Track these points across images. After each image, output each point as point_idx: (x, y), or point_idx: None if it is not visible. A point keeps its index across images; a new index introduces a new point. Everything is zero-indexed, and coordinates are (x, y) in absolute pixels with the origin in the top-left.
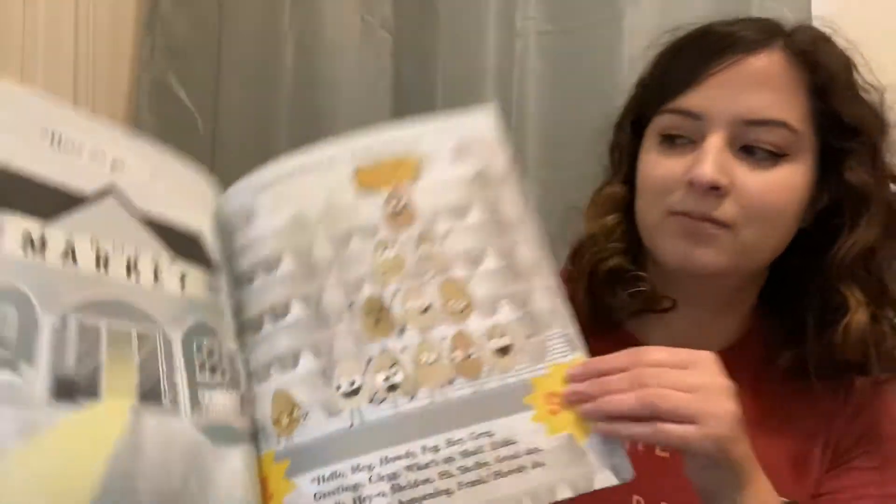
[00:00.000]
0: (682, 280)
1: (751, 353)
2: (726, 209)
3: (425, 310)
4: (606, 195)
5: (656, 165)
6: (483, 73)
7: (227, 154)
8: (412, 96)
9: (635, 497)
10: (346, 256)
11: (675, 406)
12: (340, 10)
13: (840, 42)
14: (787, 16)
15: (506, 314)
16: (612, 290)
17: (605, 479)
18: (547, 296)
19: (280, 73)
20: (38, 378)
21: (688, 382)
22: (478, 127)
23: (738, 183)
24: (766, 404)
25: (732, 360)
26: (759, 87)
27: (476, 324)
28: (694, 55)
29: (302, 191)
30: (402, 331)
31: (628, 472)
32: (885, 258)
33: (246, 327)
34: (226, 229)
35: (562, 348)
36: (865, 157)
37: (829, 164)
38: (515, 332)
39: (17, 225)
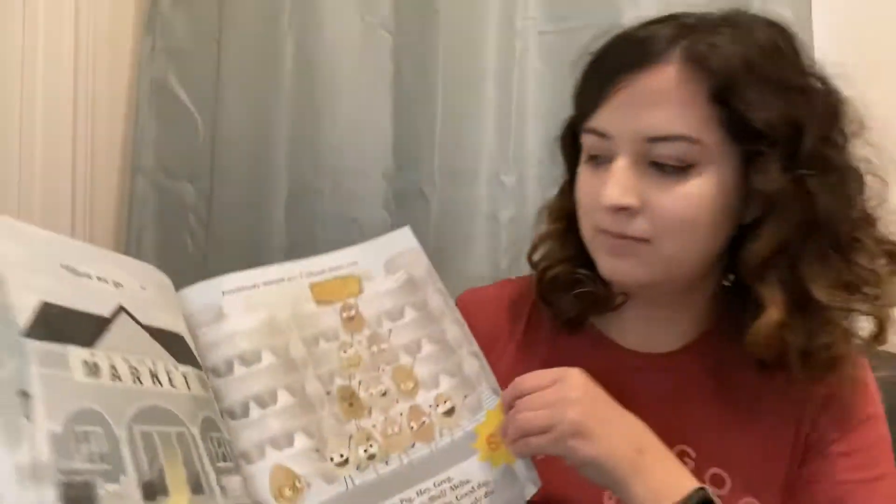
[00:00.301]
0: (627, 290)
1: (714, 346)
2: (638, 226)
3: (384, 393)
4: (553, 205)
5: (583, 184)
6: (483, 73)
7: (227, 154)
8: (412, 96)
9: (607, 491)
10: (317, 354)
11: (531, 424)
12: (340, 10)
13: (761, 30)
14: (788, 16)
15: (446, 384)
16: (558, 295)
17: (530, 490)
18: (474, 360)
19: (280, 73)
20: (132, 485)
21: (545, 400)
22: (400, 243)
23: (648, 200)
24: (732, 396)
25: (695, 356)
26: (655, 104)
27: (424, 397)
28: (600, 72)
29: (269, 299)
30: (369, 412)
31: (538, 481)
32: (807, 258)
33: (226, 413)
34: (189, 325)
35: (490, 397)
36: (774, 159)
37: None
38: (455, 395)
39: (77, 354)
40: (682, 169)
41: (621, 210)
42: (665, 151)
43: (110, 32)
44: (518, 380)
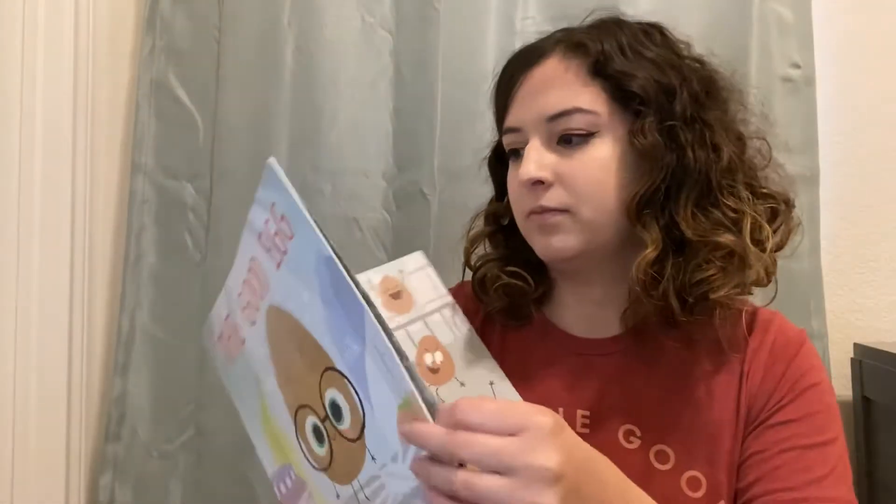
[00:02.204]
0: (566, 268)
1: (654, 326)
2: (555, 196)
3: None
4: (483, 212)
5: (510, 178)
6: (483, 73)
7: (227, 154)
8: (412, 96)
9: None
10: None
11: (486, 493)
12: (340, 10)
13: (633, 24)
14: (787, 15)
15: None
16: (487, 291)
17: None
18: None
19: (280, 73)
20: None
21: (504, 462)
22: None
23: (559, 171)
24: (671, 374)
25: (636, 337)
26: (547, 88)
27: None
28: (503, 83)
29: None
30: None
31: None
32: (680, 201)
33: None
34: None
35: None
36: (650, 117)
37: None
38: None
39: None
40: (584, 138)
41: (538, 184)
42: (566, 125)
43: (110, 32)
44: (463, 404)
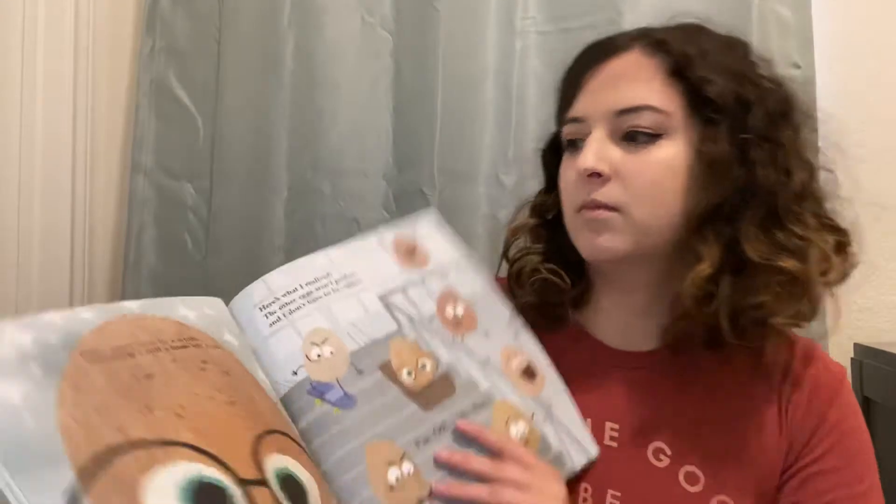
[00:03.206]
0: (609, 271)
1: (694, 343)
2: (610, 192)
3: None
4: (531, 203)
5: (564, 170)
6: (483, 73)
7: (227, 154)
8: (412, 96)
9: (583, 485)
10: None
11: (512, 502)
12: (340, 10)
13: (716, 34)
14: (787, 15)
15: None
16: (522, 284)
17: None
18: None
19: (280, 73)
20: None
21: (531, 481)
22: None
23: (619, 167)
24: (709, 395)
25: (673, 353)
26: (621, 82)
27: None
28: (574, 72)
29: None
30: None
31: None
32: (744, 220)
33: None
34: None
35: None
36: (723, 127)
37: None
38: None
39: None
40: (651, 138)
41: (594, 177)
42: (634, 121)
43: (110, 32)
44: (507, 439)
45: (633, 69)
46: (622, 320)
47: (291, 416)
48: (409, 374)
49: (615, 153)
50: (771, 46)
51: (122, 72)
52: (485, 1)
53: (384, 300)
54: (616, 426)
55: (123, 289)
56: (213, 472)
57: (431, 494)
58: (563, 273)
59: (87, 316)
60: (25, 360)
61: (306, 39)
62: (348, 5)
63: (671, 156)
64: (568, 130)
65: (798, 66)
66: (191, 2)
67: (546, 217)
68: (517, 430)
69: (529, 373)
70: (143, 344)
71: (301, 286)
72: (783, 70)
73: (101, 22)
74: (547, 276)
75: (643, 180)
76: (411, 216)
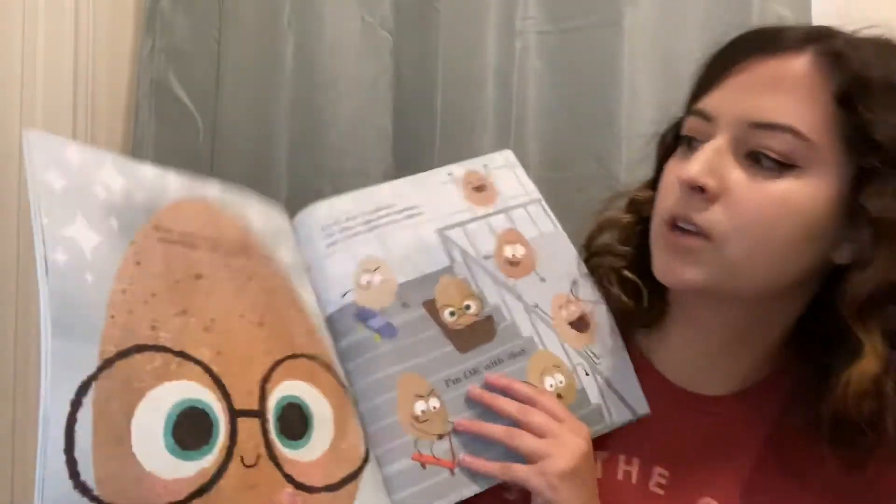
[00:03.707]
0: (688, 302)
1: (771, 399)
2: (710, 215)
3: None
4: (632, 195)
5: (668, 171)
6: (483, 73)
7: (227, 154)
8: (412, 96)
9: (621, 456)
10: None
11: (529, 448)
12: (340, 10)
13: None
14: (787, 15)
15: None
16: (603, 286)
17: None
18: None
19: (280, 73)
20: None
21: (553, 430)
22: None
23: (730, 188)
24: (783, 462)
25: (748, 405)
26: (771, 89)
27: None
28: (724, 56)
29: None
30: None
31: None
32: None
33: None
34: None
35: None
36: (894, 181)
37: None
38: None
39: None
40: (780, 166)
41: (697, 191)
42: (767, 142)
43: (110, 32)
44: (539, 390)
45: (791, 77)
46: (691, 358)
47: (333, 335)
48: (452, 314)
49: (732, 170)
50: None
51: (122, 72)
52: (485, 1)
53: (442, 234)
54: (665, 473)
55: None
56: (208, 398)
57: (454, 431)
58: (641, 287)
59: (174, 184)
60: (110, 209)
61: (306, 39)
62: (348, 5)
63: (800, 194)
64: (690, 124)
65: None
66: (191, 2)
67: (642, 214)
68: (552, 381)
69: (581, 323)
70: (207, 239)
71: (363, 213)
72: None
73: (101, 22)
74: (623, 285)
75: (754, 213)
76: (487, 154)
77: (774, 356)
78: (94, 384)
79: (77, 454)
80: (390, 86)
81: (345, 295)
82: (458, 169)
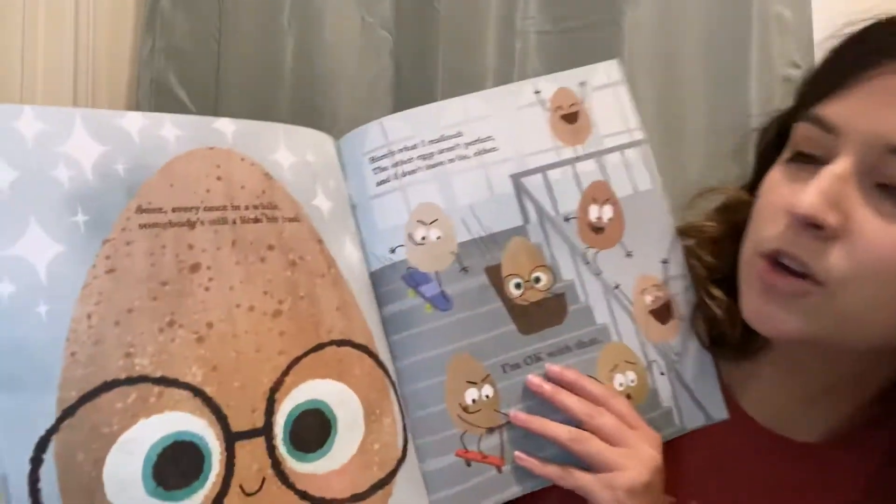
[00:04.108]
0: (783, 342)
1: (872, 450)
2: (827, 257)
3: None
4: (726, 197)
5: (772, 185)
6: (483, 73)
7: None
8: (412, 96)
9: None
10: None
11: (597, 457)
12: (340, 10)
13: None
14: (787, 16)
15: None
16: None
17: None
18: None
19: (280, 73)
20: None
21: (625, 438)
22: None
23: (855, 227)
24: None
25: (845, 455)
26: None
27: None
28: (857, 54)
29: None
30: None
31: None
32: None
33: None
34: None
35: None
36: None
37: None
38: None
39: None
40: None
41: (811, 228)
42: None
43: (110, 32)
44: (611, 390)
45: None
46: (782, 399)
47: (377, 297)
48: (518, 286)
49: (858, 206)
50: (771, 46)
51: (122, 72)
52: (485, 1)
53: (517, 182)
54: None
55: None
56: (197, 427)
57: (507, 424)
58: (732, 306)
59: (171, 135)
60: (76, 198)
61: (306, 39)
62: (348, 5)
63: None
64: (804, 133)
65: (798, 66)
66: (191, 2)
67: (734, 220)
68: (622, 380)
69: (664, 313)
70: (212, 209)
71: (423, 143)
72: (783, 70)
73: (101, 22)
74: (706, 303)
75: (882, 259)
76: (586, 66)
77: (878, 404)
78: (54, 438)
79: None
80: (390, 86)
81: (394, 251)
82: (548, 85)
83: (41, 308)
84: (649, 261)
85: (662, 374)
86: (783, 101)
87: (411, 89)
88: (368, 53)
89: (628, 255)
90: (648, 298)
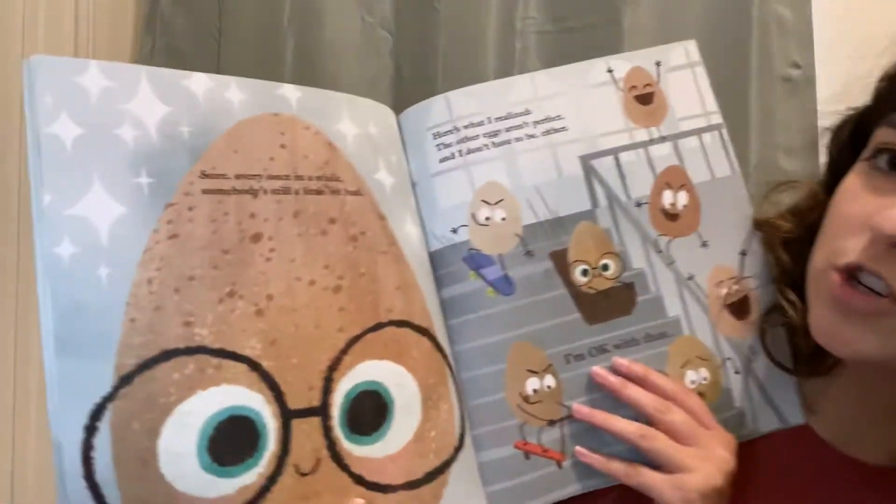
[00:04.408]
0: (852, 362)
1: None
2: None
3: None
4: (800, 197)
5: (851, 194)
6: (483, 73)
7: None
8: (412, 96)
9: None
10: None
11: (666, 454)
12: (340, 10)
13: None
14: (787, 16)
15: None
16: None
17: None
18: None
19: (280, 73)
20: None
21: (697, 437)
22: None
23: None
24: None
25: None
26: None
27: None
28: None
29: None
30: None
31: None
32: None
33: None
34: None
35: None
36: None
37: None
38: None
39: None
40: None
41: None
42: None
43: (110, 32)
44: (682, 387)
45: None
46: (846, 418)
47: (437, 279)
48: (585, 273)
49: None
50: (771, 46)
51: None
52: (485, 1)
53: (587, 163)
54: None
55: None
56: (254, 402)
57: (569, 417)
58: (805, 310)
59: (236, 98)
60: (141, 158)
61: (306, 39)
62: (348, 5)
63: None
64: (887, 138)
65: (798, 66)
66: (191, 2)
67: (808, 221)
68: (694, 376)
69: (740, 308)
70: (276, 178)
71: (489, 120)
72: (783, 70)
73: (101, 22)
74: (782, 306)
75: None
76: (661, 45)
77: None
78: (109, 406)
79: (98, 479)
80: (390, 86)
81: (456, 230)
82: (622, 63)
83: (102, 271)
84: (726, 252)
85: (737, 372)
86: (783, 101)
87: (411, 89)
88: (368, 53)
89: (704, 244)
90: (724, 291)
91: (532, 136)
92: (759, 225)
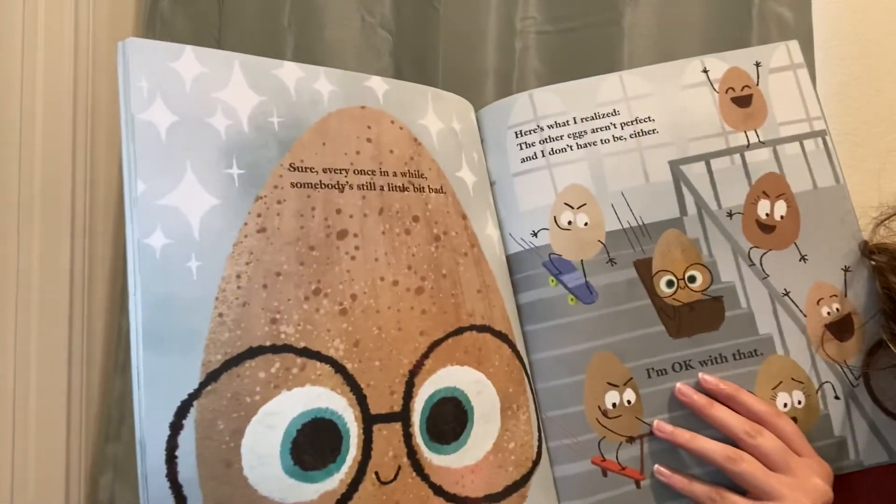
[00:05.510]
0: None
1: None
2: None
3: None
4: None
5: None
6: (483, 73)
7: None
8: None
9: None
10: None
11: (756, 480)
12: (340, 10)
13: None
14: (787, 16)
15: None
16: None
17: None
18: None
19: None
20: None
21: (790, 464)
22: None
23: None
24: None
25: None
26: None
27: None
28: None
29: None
30: None
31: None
32: None
33: None
34: None
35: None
36: None
37: None
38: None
39: None
40: None
41: None
42: None
43: (110, 32)
44: (775, 409)
45: None
46: None
47: (514, 283)
48: (670, 284)
49: None
50: None
51: None
52: (485, 1)
53: (676, 169)
54: None
55: (123, 288)
56: (337, 405)
57: (649, 434)
58: None
59: (325, 89)
60: (233, 148)
61: (306, 39)
62: (348, 5)
63: None
64: None
65: None
66: (191, 2)
67: None
68: (788, 399)
69: (842, 328)
70: (361, 173)
71: (574, 120)
72: None
73: (101, 22)
74: (888, 343)
75: None
76: (761, 45)
77: None
78: (195, 403)
79: (181, 479)
80: None
81: (537, 234)
82: (719, 63)
83: (192, 264)
84: (828, 267)
85: (837, 398)
86: None
87: None
88: (368, 53)
89: (803, 258)
90: (825, 310)
91: (619, 138)
92: (874, 251)
